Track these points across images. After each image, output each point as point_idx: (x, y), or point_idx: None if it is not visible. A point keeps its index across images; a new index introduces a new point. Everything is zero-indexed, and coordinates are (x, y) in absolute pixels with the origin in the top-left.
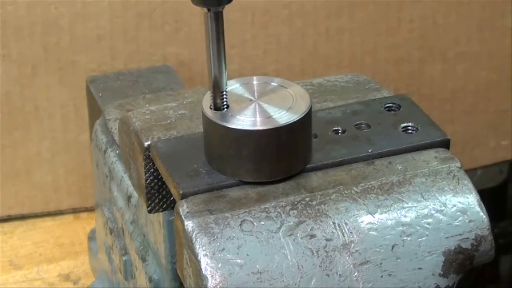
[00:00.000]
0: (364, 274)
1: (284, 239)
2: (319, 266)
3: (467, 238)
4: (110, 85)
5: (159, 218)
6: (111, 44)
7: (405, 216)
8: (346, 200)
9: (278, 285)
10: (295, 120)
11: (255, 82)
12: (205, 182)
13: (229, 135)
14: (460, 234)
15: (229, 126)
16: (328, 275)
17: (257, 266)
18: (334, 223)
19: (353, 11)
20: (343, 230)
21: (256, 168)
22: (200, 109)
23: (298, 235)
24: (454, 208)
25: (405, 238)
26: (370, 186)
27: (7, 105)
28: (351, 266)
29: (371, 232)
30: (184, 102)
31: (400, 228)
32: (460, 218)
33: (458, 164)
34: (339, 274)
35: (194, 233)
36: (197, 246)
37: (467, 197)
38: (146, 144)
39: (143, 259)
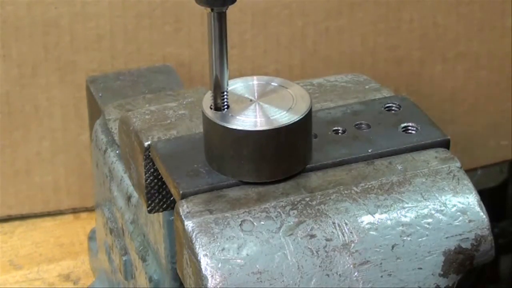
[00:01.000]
0: (364, 274)
1: (284, 239)
2: (319, 266)
3: (467, 238)
4: (110, 85)
5: (159, 218)
6: (111, 44)
7: (405, 216)
8: (346, 200)
9: (278, 285)
10: (296, 120)
11: (255, 82)
12: (205, 182)
13: (229, 135)
14: (460, 234)
15: (229, 126)
16: (328, 275)
17: (257, 266)
18: (334, 223)
19: (353, 11)
20: (343, 230)
21: (256, 168)
22: (200, 109)
23: (298, 235)
24: (454, 208)
25: (405, 238)
26: (370, 186)
27: (7, 105)
28: (351, 266)
29: (371, 232)
30: (184, 102)
31: (400, 228)
32: (460, 218)
33: (458, 164)
34: (339, 274)
35: (194, 233)
36: (197, 246)
37: (467, 197)
38: (146, 144)
39: (143, 259)
